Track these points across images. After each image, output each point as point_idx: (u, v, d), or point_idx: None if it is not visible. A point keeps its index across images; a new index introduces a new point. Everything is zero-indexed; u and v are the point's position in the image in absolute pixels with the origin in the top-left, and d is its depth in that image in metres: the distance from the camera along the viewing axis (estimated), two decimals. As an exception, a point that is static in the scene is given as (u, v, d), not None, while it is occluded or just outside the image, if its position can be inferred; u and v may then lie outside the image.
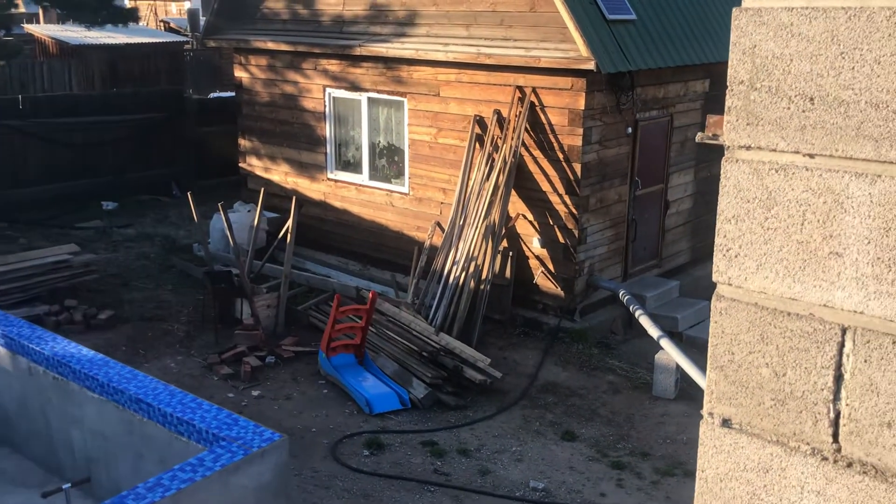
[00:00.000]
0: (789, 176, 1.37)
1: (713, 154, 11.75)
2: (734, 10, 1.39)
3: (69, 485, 4.78)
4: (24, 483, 5.94)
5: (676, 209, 11.65)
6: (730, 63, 1.41)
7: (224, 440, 4.78)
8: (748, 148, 1.41)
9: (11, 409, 6.32)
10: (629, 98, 10.17)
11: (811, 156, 1.35)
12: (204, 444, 4.88)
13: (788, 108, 1.36)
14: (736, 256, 1.45)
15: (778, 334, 1.43)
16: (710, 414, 1.54)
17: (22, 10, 27.48)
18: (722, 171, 1.44)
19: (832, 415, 1.39)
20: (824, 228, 1.35)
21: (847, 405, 1.37)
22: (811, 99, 1.33)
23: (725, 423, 1.52)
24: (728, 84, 1.42)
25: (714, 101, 11.69)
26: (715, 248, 1.48)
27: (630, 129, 10.42)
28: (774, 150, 1.38)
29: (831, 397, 1.38)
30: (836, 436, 1.39)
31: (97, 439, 5.59)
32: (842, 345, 1.36)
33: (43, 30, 22.70)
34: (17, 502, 5.65)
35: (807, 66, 1.33)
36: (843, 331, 1.36)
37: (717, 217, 1.46)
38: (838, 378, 1.37)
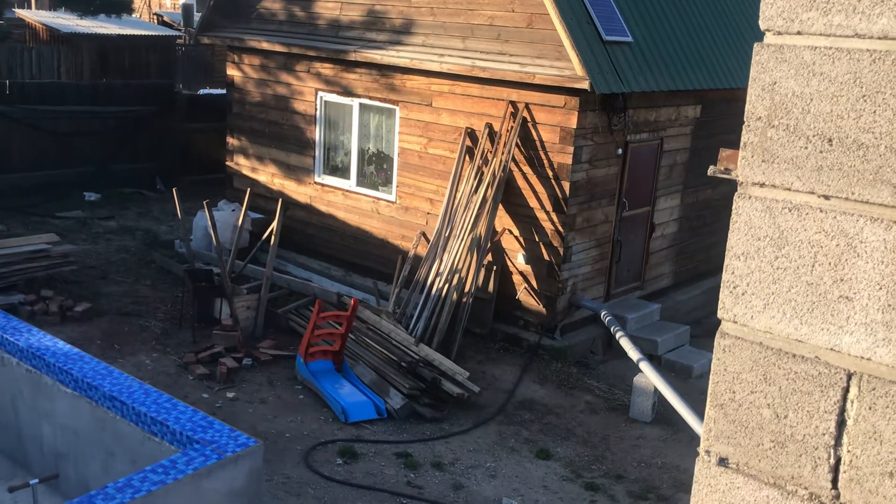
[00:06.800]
0: (803, 216, 1.35)
1: (700, 180, 11.81)
2: (756, 45, 1.37)
3: (36, 480, 4.69)
4: (-10, 476, 5.82)
5: (662, 232, 11.69)
6: (748, 98, 1.39)
7: (198, 443, 4.71)
8: (762, 185, 1.39)
9: (-19, 400, 6.20)
10: (621, 119, 10.20)
11: (826, 197, 1.33)
12: (177, 445, 4.81)
13: (806, 148, 1.34)
14: (743, 294, 1.43)
15: (782, 375, 1.41)
16: (707, 452, 1.51)
17: (14, -6, 27.23)
18: (734, 207, 1.42)
19: (832, 461, 1.36)
20: (835, 272, 1.33)
21: (848, 452, 1.35)
22: (830, 140, 1.32)
23: (722, 462, 1.49)
24: (745, 119, 1.40)
25: (704, 127, 11.76)
26: (722, 285, 1.46)
27: (620, 151, 10.45)
28: (789, 190, 1.36)
29: (833, 443, 1.36)
30: (835, 482, 1.36)
31: (68, 435, 5.50)
32: (846, 390, 1.34)
33: (34, 15, 22.50)
34: (-19, 495, 5.54)
35: (827, 106, 1.31)
36: (849, 376, 1.34)
37: (727, 253, 1.44)
38: (841, 424, 1.35)
